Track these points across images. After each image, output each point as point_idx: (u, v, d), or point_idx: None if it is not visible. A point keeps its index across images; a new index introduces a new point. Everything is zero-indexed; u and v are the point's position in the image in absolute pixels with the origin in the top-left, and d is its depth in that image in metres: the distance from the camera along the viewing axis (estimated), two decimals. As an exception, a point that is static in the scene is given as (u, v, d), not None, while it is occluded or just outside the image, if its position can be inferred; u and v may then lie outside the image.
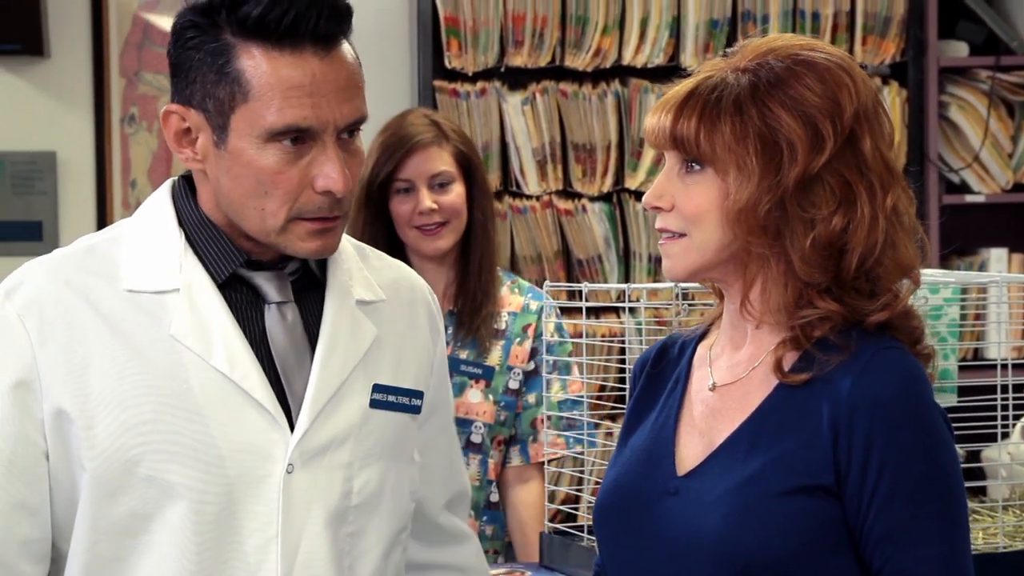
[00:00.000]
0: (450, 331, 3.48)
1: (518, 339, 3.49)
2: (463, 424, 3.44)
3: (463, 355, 3.48)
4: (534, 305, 3.51)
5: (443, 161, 3.48)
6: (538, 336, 3.47)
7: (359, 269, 2.14)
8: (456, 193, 3.49)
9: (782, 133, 1.92)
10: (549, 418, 3.38)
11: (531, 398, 3.49)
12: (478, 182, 3.52)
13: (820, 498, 1.89)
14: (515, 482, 3.49)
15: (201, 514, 1.99)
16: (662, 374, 2.09)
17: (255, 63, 1.97)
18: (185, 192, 2.09)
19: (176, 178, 2.12)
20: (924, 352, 1.97)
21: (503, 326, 3.49)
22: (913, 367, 1.92)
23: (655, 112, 1.97)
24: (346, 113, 2.00)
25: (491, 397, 3.47)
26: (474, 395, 3.47)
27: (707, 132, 1.93)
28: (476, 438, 3.47)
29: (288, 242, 2.02)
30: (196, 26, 2.00)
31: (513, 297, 3.53)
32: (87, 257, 2.07)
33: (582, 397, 3.15)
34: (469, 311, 3.49)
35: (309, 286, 2.10)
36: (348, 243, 2.16)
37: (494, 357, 3.48)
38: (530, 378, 3.49)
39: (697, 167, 1.95)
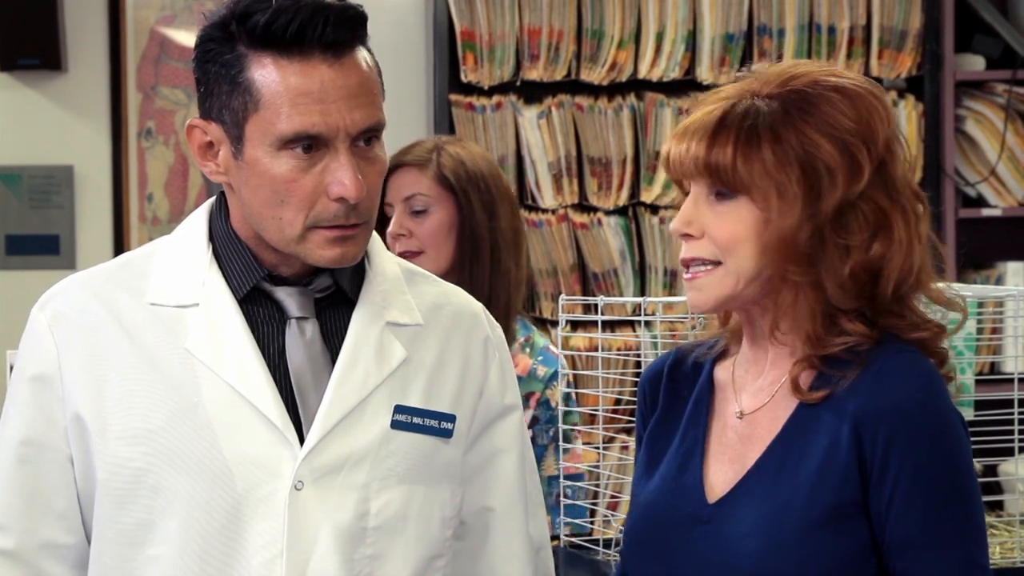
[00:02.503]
0: None
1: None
2: None
3: None
4: (542, 371, 3.16)
5: (420, 184, 3.19)
6: (542, 404, 3.15)
7: (400, 292, 2.12)
8: (434, 220, 3.19)
9: (821, 159, 1.90)
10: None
11: None
12: (473, 213, 3.17)
13: (850, 519, 1.88)
14: None
15: (206, 527, 1.99)
16: (679, 392, 2.07)
17: (265, 72, 1.98)
18: (221, 208, 2.10)
19: (217, 195, 2.13)
20: (939, 353, 1.96)
21: None
22: (926, 370, 1.91)
23: (679, 141, 1.94)
24: (358, 119, 1.99)
25: None
26: None
27: (744, 159, 1.90)
28: None
29: (308, 251, 2.01)
30: (213, 39, 2.02)
31: (521, 357, 3.16)
32: (120, 271, 2.10)
33: (582, 475, 2.92)
34: None
35: (339, 304, 2.09)
36: (395, 265, 2.15)
37: None
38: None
39: (728, 195, 1.92)
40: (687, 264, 1.95)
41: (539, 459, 3.01)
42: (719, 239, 1.92)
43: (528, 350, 3.20)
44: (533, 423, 3.13)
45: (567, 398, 3.12)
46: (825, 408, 1.91)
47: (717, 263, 1.93)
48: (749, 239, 1.91)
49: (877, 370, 1.89)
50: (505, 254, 3.16)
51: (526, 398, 3.12)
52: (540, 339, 3.23)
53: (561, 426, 2.95)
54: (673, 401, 2.07)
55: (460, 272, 3.15)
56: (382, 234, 3.21)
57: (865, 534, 1.88)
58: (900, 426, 1.87)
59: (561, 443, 3.08)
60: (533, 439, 3.08)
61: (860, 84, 1.95)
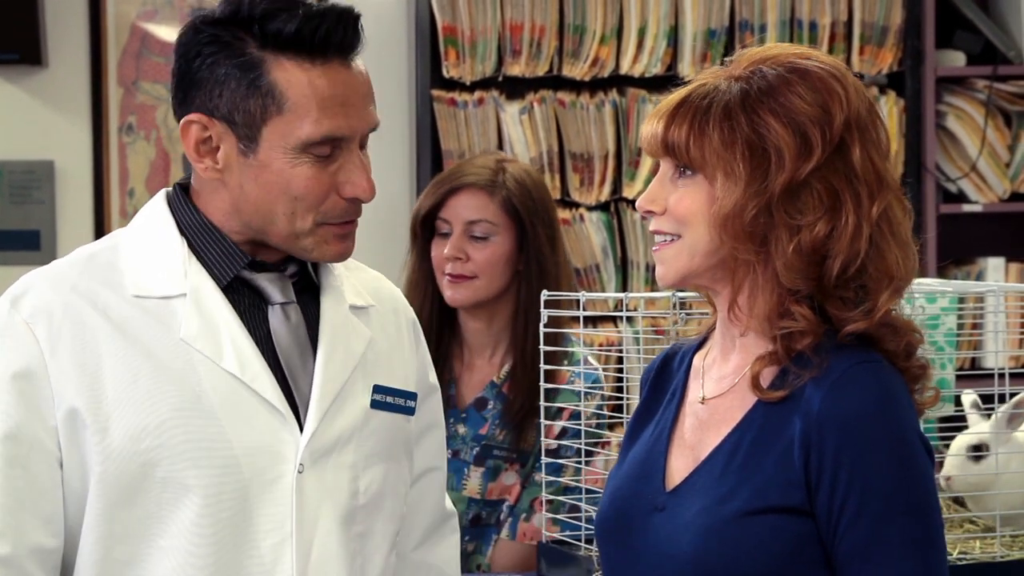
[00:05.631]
0: (492, 407, 3.20)
1: (554, 418, 3.09)
2: (494, 505, 3.18)
3: (500, 437, 3.17)
4: (578, 384, 3.07)
5: (486, 211, 3.14)
6: (574, 418, 3.09)
7: (347, 277, 2.18)
8: (494, 248, 3.14)
9: (770, 140, 1.92)
10: (550, 502, 3.01)
11: (537, 476, 3.11)
12: (540, 247, 3.12)
13: (791, 517, 1.88)
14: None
15: (216, 515, 2.01)
16: (663, 383, 2.10)
17: (288, 76, 2.01)
18: (182, 199, 2.10)
19: (171, 187, 2.14)
20: (915, 366, 1.95)
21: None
22: (886, 383, 1.90)
23: (650, 120, 1.99)
24: (370, 120, 2.06)
25: (521, 478, 3.17)
26: (509, 477, 3.18)
27: (696, 138, 1.93)
28: (502, 516, 3.18)
29: (314, 246, 2.06)
30: (217, 40, 2.03)
31: (559, 368, 3.08)
32: (89, 265, 2.09)
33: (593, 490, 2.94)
34: (520, 404, 3.11)
35: (305, 289, 2.13)
36: None
37: (529, 439, 3.15)
38: (545, 455, 3.06)
39: (689, 173, 1.95)
40: (655, 235, 2.00)
41: (558, 472, 3.01)
42: (676, 214, 1.96)
43: (566, 361, 3.14)
44: (562, 435, 3.09)
45: (599, 417, 3.06)
46: (782, 408, 1.92)
47: (678, 236, 1.96)
48: (700, 215, 1.94)
49: (835, 378, 1.89)
50: (565, 289, 3.07)
51: (559, 411, 3.11)
52: (578, 351, 3.16)
53: (583, 442, 2.90)
54: (656, 393, 2.10)
55: (526, 308, 3.11)
56: (428, 249, 3.19)
57: (808, 528, 1.89)
58: (849, 437, 1.87)
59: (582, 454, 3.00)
60: (557, 451, 3.08)
61: (825, 67, 1.95)
